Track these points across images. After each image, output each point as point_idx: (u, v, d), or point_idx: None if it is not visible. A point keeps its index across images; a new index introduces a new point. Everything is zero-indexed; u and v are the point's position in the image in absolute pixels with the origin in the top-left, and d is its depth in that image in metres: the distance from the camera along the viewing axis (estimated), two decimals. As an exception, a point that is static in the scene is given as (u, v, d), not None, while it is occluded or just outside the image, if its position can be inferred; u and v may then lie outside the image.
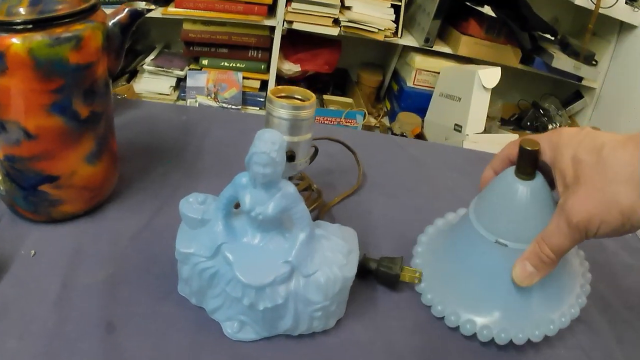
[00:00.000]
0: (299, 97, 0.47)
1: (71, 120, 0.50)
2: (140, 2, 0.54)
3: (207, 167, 0.72)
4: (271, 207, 0.43)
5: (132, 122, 0.79)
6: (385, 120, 2.53)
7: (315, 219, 0.63)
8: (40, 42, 0.45)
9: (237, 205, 0.46)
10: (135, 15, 0.53)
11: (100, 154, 0.56)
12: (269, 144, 0.40)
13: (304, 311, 0.45)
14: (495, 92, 2.03)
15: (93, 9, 0.50)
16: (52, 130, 0.50)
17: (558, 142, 0.45)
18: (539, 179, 0.48)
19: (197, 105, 2.25)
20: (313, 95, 0.46)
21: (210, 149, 0.76)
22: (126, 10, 0.53)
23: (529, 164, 0.47)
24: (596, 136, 0.44)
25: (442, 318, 0.51)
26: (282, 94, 0.47)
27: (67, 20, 0.47)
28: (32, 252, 0.52)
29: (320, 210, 0.63)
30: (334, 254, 0.46)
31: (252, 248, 0.45)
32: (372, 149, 0.83)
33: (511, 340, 0.49)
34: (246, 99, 2.31)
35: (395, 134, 2.34)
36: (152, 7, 0.54)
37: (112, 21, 0.52)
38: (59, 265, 0.52)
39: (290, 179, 0.48)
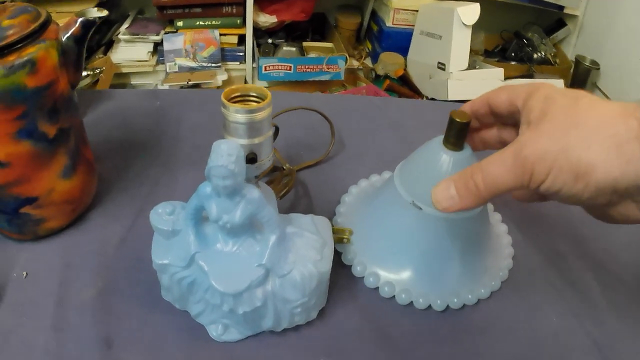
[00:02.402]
0: (255, 95, 0.47)
1: (40, 142, 0.50)
2: (91, 9, 0.53)
3: (185, 156, 0.72)
4: (237, 215, 0.44)
5: (104, 116, 0.79)
6: (368, 62, 2.50)
7: (290, 201, 0.64)
8: (-7, 75, 0.45)
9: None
10: (88, 25, 0.52)
11: (75, 167, 0.56)
12: (225, 156, 0.40)
13: (283, 309, 0.47)
14: (476, 23, 2.01)
15: (44, 26, 0.49)
16: (23, 156, 0.50)
17: (538, 87, 0.41)
18: (466, 152, 0.49)
19: (177, 68, 2.23)
20: (268, 93, 0.46)
21: (186, 136, 0.76)
22: (78, 21, 0.52)
23: (456, 134, 0.48)
24: (584, 93, 0.39)
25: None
26: (236, 95, 0.47)
27: (18, 45, 0.46)
28: (24, 273, 0.53)
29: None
30: (308, 250, 0.47)
31: (225, 254, 0.46)
32: (351, 114, 0.84)
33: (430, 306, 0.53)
34: (225, 55, 2.29)
35: (379, 76, 2.33)
36: (104, 13, 0.53)
37: (66, 35, 0.51)
38: (51, 283, 0.53)
39: (256, 177, 0.48)
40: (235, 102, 0.46)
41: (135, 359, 0.47)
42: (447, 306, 0.53)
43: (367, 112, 0.86)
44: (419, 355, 0.49)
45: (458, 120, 0.47)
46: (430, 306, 0.53)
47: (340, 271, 0.55)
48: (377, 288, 0.54)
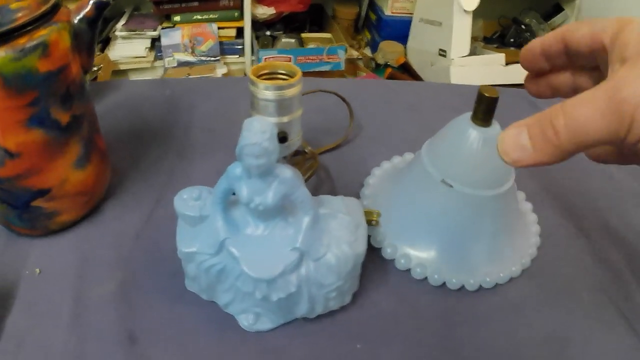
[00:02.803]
0: (283, 72, 0.45)
1: (52, 130, 0.48)
2: (102, -10, 0.51)
3: (200, 144, 0.70)
4: (270, 196, 0.42)
5: (114, 107, 0.77)
6: (367, 51, 2.49)
7: (313, 185, 0.62)
8: (4, 58, 0.42)
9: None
10: (101, 6, 0.50)
11: (88, 156, 0.53)
12: (259, 134, 0.38)
13: (318, 294, 0.45)
14: (475, 10, 1.99)
15: (55, 9, 0.47)
16: (35, 145, 0.47)
17: (630, 19, 0.33)
18: (495, 128, 0.48)
19: (175, 63, 2.21)
20: (298, 70, 0.44)
21: (199, 124, 0.74)
22: (90, 3, 0.50)
23: (485, 110, 0.47)
24: None
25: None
26: (265, 72, 0.45)
27: (29, 28, 0.44)
28: (37, 270, 0.51)
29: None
30: (342, 231, 0.45)
31: (256, 239, 0.44)
32: (366, 98, 0.82)
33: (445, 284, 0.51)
34: (224, 49, 2.28)
35: (379, 65, 2.31)
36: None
37: (78, 17, 0.49)
38: (66, 280, 0.50)
39: (284, 158, 0.46)
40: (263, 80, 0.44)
41: (161, 354, 0.45)
42: (480, 286, 0.51)
43: (383, 95, 0.84)
44: (456, 336, 0.48)
45: (487, 95, 0.45)
46: (463, 286, 0.51)
47: (369, 254, 0.53)
48: (408, 270, 0.52)
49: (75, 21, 0.49)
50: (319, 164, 0.65)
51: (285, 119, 0.44)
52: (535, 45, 0.40)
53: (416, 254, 0.52)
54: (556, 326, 0.49)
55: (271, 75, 0.45)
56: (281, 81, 0.44)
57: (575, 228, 0.60)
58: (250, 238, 0.44)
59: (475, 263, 0.52)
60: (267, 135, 0.39)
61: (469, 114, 0.48)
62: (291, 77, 0.44)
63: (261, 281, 0.43)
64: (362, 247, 0.45)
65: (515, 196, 0.56)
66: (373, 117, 0.77)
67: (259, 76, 0.44)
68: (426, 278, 0.52)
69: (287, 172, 0.42)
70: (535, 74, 0.42)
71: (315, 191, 0.62)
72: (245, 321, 0.47)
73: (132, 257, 0.53)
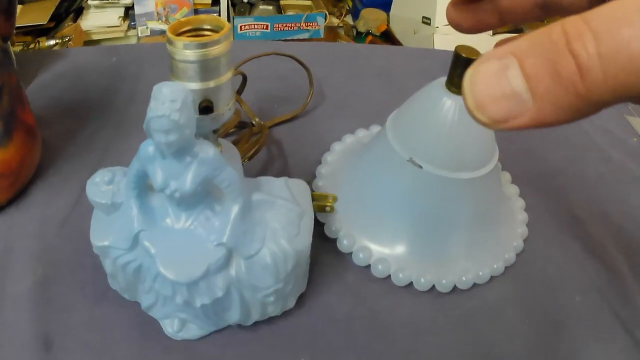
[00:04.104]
0: (209, 28, 0.36)
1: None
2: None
3: (141, 116, 0.60)
4: (188, 180, 0.33)
5: (56, 77, 0.69)
6: (349, 19, 2.42)
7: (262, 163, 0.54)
8: None
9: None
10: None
11: (9, 133, 0.47)
12: (167, 103, 0.31)
13: (252, 299, 0.37)
14: (461, -25, 1.90)
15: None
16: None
17: None
18: None
19: (149, 32, 2.14)
20: (226, 23, 0.35)
21: (143, 94, 0.64)
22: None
23: (462, 73, 0.38)
24: None
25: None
26: (187, 29, 0.36)
27: None
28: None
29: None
30: (281, 223, 0.37)
31: (176, 233, 0.36)
32: (332, 63, 0.74)
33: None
34: (199, 17, 2.19)
35: (360, 33, 2.24)
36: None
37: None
38: (-14, 272, 0.44)
39: (214, 132, 0.38)
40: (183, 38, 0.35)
41: None
42: (454, 286, 0.44)
43: (351, 60, 0.77)
44: (422, 347, 0.41)
45: (464, 56, 0.38)
46: (433, 287, 0.44)
47: (323, 246, 0.46)
48: (368, 266, 0.45)
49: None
50: (271, 138, 0.57)
51: (211, 84, 0.35)
52: None
53: (378, 248, 0.45)
54: (542, 335, 0.42)
55: (196, 33, 0.37)
56: (204, 37, 0.35)
57: (567, 216, 0.53)
58: (169, 231, 0.36)
59: (449, 259, 0.45)
60: (177, 105, 0.30)
61: (443, 79, 0.41)
62: (216, 33, 0.35)
63: (180, 284, 0.35)
64: (305, 243, 0.37)
65: (498, 179, 0.48)
66: (338, 85, 0.70)
67: (180, 34, 0.36)
68: (389, 277, 0.44)
69: (208, 150, 0.33)
70: None
71: (263, 171, 0.54)
72: (170, 327, 0.40)
73: (55, 247, 0.47)
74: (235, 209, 0.35)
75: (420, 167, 0.41)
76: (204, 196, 0.36)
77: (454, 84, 0.40)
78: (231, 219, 0.35)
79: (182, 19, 0.36)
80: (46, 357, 0.38)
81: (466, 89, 0.20)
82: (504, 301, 0.44)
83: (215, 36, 0.34)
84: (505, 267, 0.46)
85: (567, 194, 0.56)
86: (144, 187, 0.37)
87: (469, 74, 0.20)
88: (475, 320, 0.43)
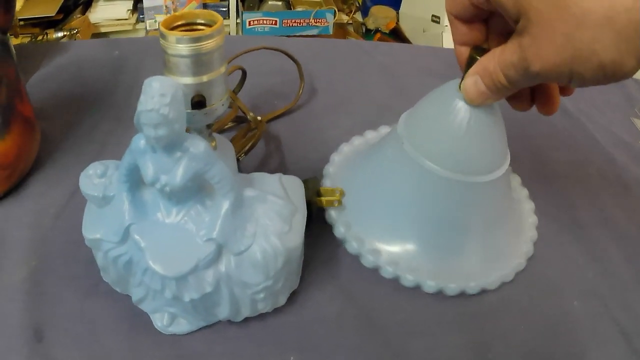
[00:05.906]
0: (203, 22, 0.36)
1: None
2: None
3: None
4: (179, 174, 0.33)
5: (57, 70, 0.69)
6: (358, 16, 2.41)
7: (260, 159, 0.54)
8: None
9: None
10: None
11: (7, 125, 0.47)
12: (156, 97, 0.30)
13: (242, 295, 0.37)
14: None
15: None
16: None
17: None
18: None
19: (157, 25, 2.13)
20: (220, 18, 0.35)
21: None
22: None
23: None
24: None
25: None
26: (181, 23, 0.36)
27: None
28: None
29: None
30: (272, 219, 0.37)
31: (167, 227, 0.36)
32: (335, 60, 0.74)
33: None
34: (208, 10, 2.18)
35: (369, 30, 2.23)
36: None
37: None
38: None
39: (208, 127, 0.38)
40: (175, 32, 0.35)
41: (66, 356, 0.39)
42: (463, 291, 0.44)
43: (354, 57, 0.76)
44: (414, 346, 0.41)
45: (479, 58, 0.37)
46: (441, 290, 0.43)
47: (321, 241, 0.46)
48: (361, 265, 0.45)
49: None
50: (270, 135, 0.56)
51: (204, 78, 0.35)
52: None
53: (387, 249, 0.44)
54: (538, 341, 0.42)
55: (190, 27, 0.37)
56: (196, 32, 0.35)
57: (569, 220, 0.52)
58: (160, 225, 0.36)
59: (458, 263, 0.44)
60: (167, 100, 0.30)
61: (457, 81, 0.40)
62: (209, 27, 0.35)
63: (169, 279, 0.35)
64: (297, 240, 0.37)
65: (509, 182, 0.48)
66: (339, 81, 0.70)
67: (173, 28, 0.36)
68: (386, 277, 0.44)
69: (199, 145, 0.33)
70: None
71: (262, 167, 0.54)
72: (160, 322, 0.40)
73: (48, 239, 0.47)
74: (225, 205, 0.35)
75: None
76: (195, 191, 0.36)
77: None
78: (222, 215, 0.35)
79: (177, 13, 0.36)
80: (37, 348, 0.38)
81: (463, 91, 0.39)
82: (501, 305, 0.44)
83: (208, 30, 0.34)
84: (516, 273, 0.46)
85: (569, 197, 0.55)
86: (135, 180, 0.37)
87: (463, 84, 0.38)
88: (470, 323, 0.42)
